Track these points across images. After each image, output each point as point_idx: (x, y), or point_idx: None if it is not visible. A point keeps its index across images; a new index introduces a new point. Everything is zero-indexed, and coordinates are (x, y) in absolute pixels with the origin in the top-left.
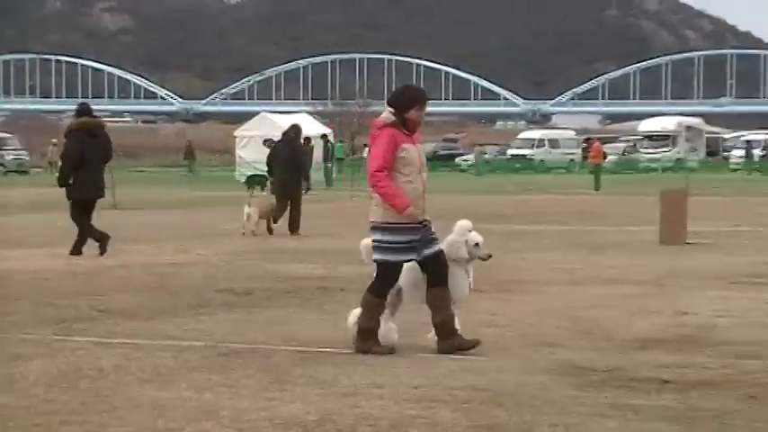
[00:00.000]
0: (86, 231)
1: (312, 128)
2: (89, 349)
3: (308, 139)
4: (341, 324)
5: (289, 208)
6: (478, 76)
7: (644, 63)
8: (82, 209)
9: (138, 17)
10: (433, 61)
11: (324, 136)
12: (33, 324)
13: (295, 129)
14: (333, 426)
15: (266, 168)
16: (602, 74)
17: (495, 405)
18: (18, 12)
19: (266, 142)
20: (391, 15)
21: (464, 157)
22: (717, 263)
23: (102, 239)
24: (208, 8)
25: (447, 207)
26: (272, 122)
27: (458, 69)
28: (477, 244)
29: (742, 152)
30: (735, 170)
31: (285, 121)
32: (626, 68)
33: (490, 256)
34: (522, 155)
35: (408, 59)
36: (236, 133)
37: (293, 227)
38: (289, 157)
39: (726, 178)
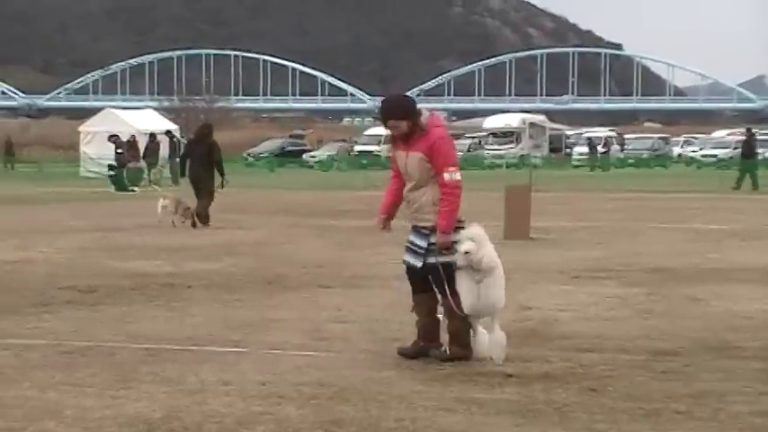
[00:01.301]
0: None
1: (158, 123)
2: None
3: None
4: (187, 321)
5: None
6: (325, 72)
7: (489, 60)
8: None
9: None
10: (279, 57)
11: (168, 132)
12: None
13: (208, 127)
14: (179, 423)
15: (180, 165)
16: (448, 71)
17: (342, 400)
18: None
19: (111, 138)
20: (236, 11)
21: (311, 154)
22: (559, 258)
23: None
24: (49, 1)
25: (296, 203)
26: (116, 118)
27: (304, 66)
28: (466, 252)
29: (584, 149)
30: (577, 166)
31: (130, 117)
32: (471, 66)
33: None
34: (370, 151)
35: (255, 55)
36: (80, 129)
37: (202, 219)
38: (203, 152)
39: (568, 174)
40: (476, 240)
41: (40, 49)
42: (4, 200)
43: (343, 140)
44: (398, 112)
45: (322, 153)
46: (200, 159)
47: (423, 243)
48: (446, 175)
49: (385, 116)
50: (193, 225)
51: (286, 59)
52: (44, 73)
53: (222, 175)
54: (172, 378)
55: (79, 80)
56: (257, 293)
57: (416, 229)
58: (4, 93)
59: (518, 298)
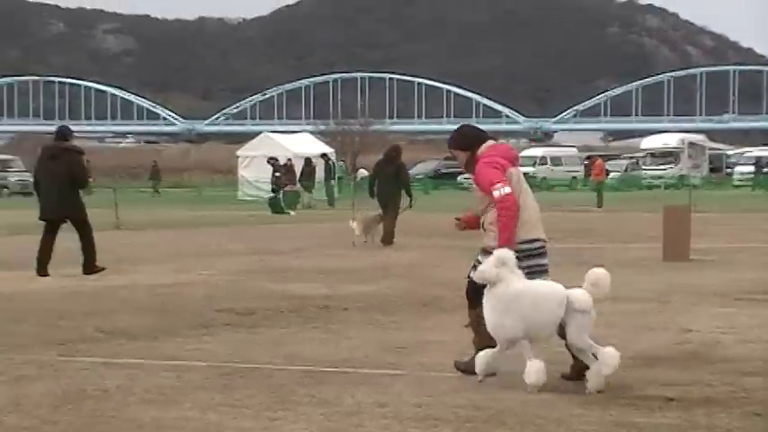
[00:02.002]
0: (41, 249)
1: (314, 147)
2: (93, 370)
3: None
4: (343, 343)
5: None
6: (480, 94)
7: (646, 80)
8: (47, 228)
9: (140, 38)
10: (434, 80)
11: (324, 155)
12: (38, 345)
13: (396, 149)
14: None
15: (369, 185)
16: (604, 91)
17: (498, 423)
18: (21, 34)
19: (270, 160)
20: (392, 35)
21: (466, 176)
22: (720, 279)
23: (42, 263)
24: (210, 29)
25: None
26: (274, 142)
27: (459, 87)
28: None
29: (747, 168)
30: (738, 186)
31: (287, 141)
32: (628, 85)
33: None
34: (525, 173)
35: (410, 78)
36: (238, 153)
37: (387, 239)
38: (392, 173)
39: (729, 195)
40: (501, 262)
41: (200, 76)
42: (163, 224)
43: None
44: (456, 143)
45: None
46: (389, 180)
47: (482, 260)
48: (495, 193)
49: (449, 145)
50: (388, 243)
51: (441, 81)
52: (204, 99)
53: (410, 195)
54: (329, 400)
55: (237, 105)
56: (413, 315)
57: (483, 250)
58: (165, 118)
59: (678, 320)
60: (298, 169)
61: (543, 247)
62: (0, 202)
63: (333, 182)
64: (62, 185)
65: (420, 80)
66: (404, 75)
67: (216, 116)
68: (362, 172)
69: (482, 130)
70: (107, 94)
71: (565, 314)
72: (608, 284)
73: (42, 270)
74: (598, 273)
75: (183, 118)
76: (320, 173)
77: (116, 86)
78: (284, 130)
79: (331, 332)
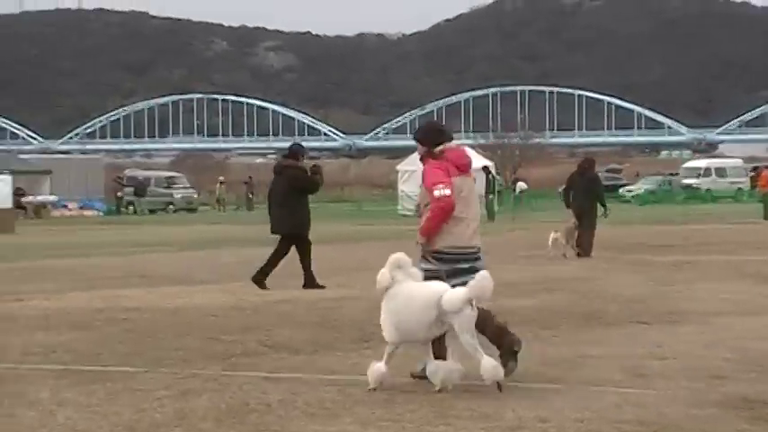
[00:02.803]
0: (268, 262)
1: (474, 160)
2: (256, 384)
3: (485, 168)
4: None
5: (576, 233)
6: (641, 105)
7: None
8: (282, 244)
9: (301, 55)
10: (594, 91)
11: (485, 168)
12: (202, 359)
13: (589, 161)
14: None
15: (563, 197)
16: None
17: None
18: (186, 53)
19: None
20: (551, 47)
21: (628, 188)
22: None
23: (262, 275)
24: (369, 45)
25: (613, 238)
26: None
27: (620, 99)
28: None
29: None
30: None
31: None
32: None
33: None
34: (689, 184)
35: (570, 90)
36: (398, 167)
37: (585, 251)
38: (585, 185)
39: None
40: (397, 266)
41: (360, 91)
42: (323, 238)
43: (663, 174)
44: (418, 134)
45: (639, 187)
46: (583, 192)
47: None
48: (435, 192)
49: (414, 134)
50: (586, 255)
51: (601, 93)
52: (364, 114)
53: (604, 206)
54: (489, 414)
55: (397, 120)
56: (574, 329)
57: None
58: (326, 134)
59: None
60: None
61: (477, 252)
62: (166, 218)
63: (492, 195)
64: (283, 200)
65: (580, 92)
66: (564, 87)
67: (376, 131)
68: (521, 185)
69: (445, 132)
70: (269, 111)
71: (441, 315)
72: (490, 287)
73: (260, 279)
74: (482, 274)
75: (343, 133)
76: (480, 186)
77: (278, 103)
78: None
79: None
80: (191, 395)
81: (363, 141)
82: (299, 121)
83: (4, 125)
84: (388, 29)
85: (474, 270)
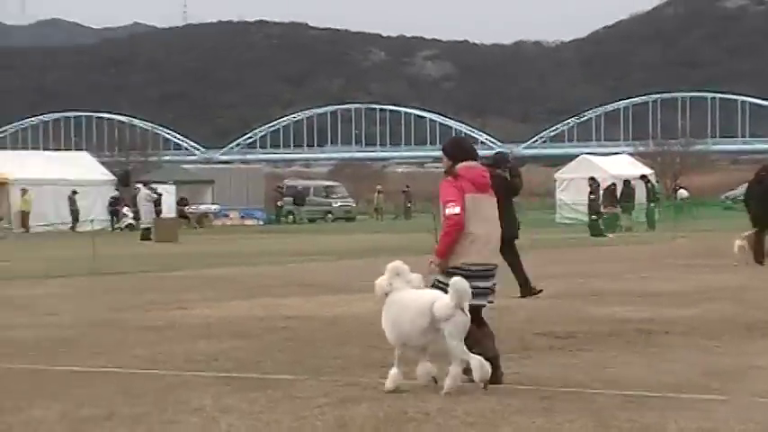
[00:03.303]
0: (516, 274)
1: (632, 169)
2: (414, 392)
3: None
4: (665, 367)
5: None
6: None
7: None
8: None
9: (459, 64)
10: (758, 98)
11: (644, 176)
12: (361, 368)
13: (765, 169)
14: None
15: (745, 204)
16: None
17: None
18: (344, 63)
19: (590, 180)
20: (714, 52)
21: None
22: None
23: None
24: (527, 52)
25: None
26: (592, 164)
27: None
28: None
29: None
30: None
31: (605, 163)
32: None
33: None
34: None
35: (733, 96)
36: (556, 176)
37: (759, 258)
38: (761, 193)
39: None
40: (395, 273)
41: (517, 99)
42: None
43: None
44: (445, 149)
45: None
46: (758, 200)
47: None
48: (446, 210)
49: (442, 147)
50: (760, 262)
51: (766, 99)
52: (522, 122)
53: None
54: (651, 425)
55: (554, 128)
56: (738, 339)
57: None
58: (483, 143)
59: None
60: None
61: (488, 270)
62: (324, 226)
63: (653, 204)
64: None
65: (743, 98)
66: (726, 93)
67: (533, 139)
68: (683, 193)
69: (469, 151)
70: (426, 120)
71: (434, 322)
72: (468, 291)
73: (527, 289)
74: (456, 281)
75: (501, 142)
76: (640, 195)
77: (435, 112)
78: (602, 152)
79: (652, 356)
80: (350, 403)
81: (521, 149)
82: (456, 129)
83: (167, 136)
84: (545, 36)
85: (491, 290)
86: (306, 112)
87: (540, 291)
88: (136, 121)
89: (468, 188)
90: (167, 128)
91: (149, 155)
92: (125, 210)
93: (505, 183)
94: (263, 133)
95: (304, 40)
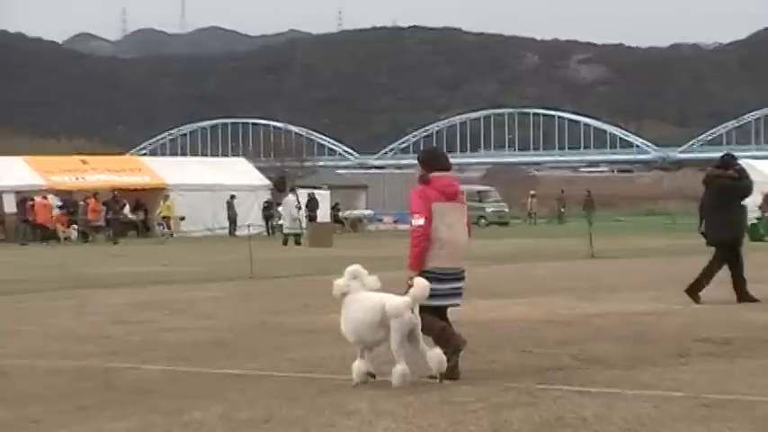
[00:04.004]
0: (704, 273)
1: None
2: (570, 398)
3: None
4: None
5: None
6: None
7: None
8: (720, 253)
9: (613, 67)
10: None
11: None
12: (515, 372)
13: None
14: None
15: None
16: None
17: None
18: (498, 68)
19: None
20: None
21: None
22: None
23: (697, 287)
24: (684, 54)
25: None
26: (752, 169)
27: None
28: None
29: None
30: None
31: (766, 168)
32: None
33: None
34: None
35: None
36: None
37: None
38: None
39: None
40: (353, 276)
41: (673, 102)
42: (637, 252)
43: None
44: (419, 157)
45: None
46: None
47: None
48: (413, 221)
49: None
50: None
51: None
52: (678, 126)
53: None
54: None
55: (712, 131)
56: None
57: None
58: (638, 146)
59: None
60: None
61: (457, 273)
62: (478, 231)
63: None
64: (716, 210)
65: None
66: None
67: (691, 143)
68: None
69: (442, 161)
70: (580, 124)
71: (384, 320)
72: (426, 293)
73: (693, 293)
74: (418, 281)
75: (656, 145)
76: None
77: (589, 116)
78: (762, 155)
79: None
80: (505, 408)
81: (677, 153)
82: (610, 133)
83: (322, 142)
84: (703, 38)
85: (461, 291)
86: (459, 116)
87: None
88: (291, 127)
89: (436, 196)
90: (322, 133)
91: (304, 160)
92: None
93: (734, 184)
94: (416, 138)
95: (458, 45)
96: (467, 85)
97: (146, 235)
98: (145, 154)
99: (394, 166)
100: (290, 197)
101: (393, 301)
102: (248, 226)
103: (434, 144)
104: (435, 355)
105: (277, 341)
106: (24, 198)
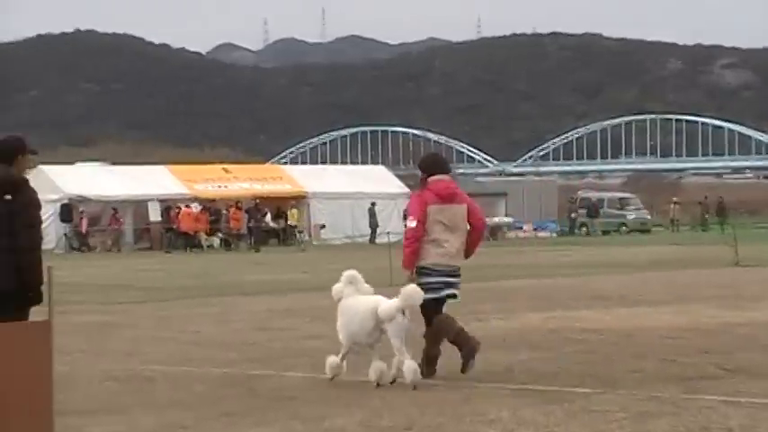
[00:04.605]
0: None
1: None
2: (716, 408)
3: None
4: None
5: None
6: None
7: None
8: None
9: (760, 72)
10: None
11: None
12: (659, 382)
13: None
14: None
15: None
16: None
17: None
18: (640, 73)
19: None
20: None
21: None
22: None
23: None
24: None
25: None
26: None
27: None
28: None
29: None
30: None
31: None
32: None
33: None
34: None
35: None
36: None
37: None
38: None
39: None
40: (349, 281)
41: None
42: None
43: None
44: (419, 163)
45: None
46: None
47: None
48: (407, 222)
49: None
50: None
51: None
52: None
53: None
54: None
55: None
56: None
57: None
58: None
59: None
60: None
61: (452, 269)
62: (619, 239)
63: None
64: None
65: None
66: None
67: None
68: None
69: (440, 165)
70: (724, 130)
71: (378, 323)
72: (419, 298)
73: None
74: (410, 287)
75: None
76: None
77: (734, 122)
78: None
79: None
80: (649, 418)
81: None
82: (756, 139)
83: (461, 149)
84: None
85: (455, 285)
86: (600, 123)
87: None
88: (430, 135)
89: (432, 199)
90: (461, 140)
91: None
92: None
93: None
94: (555, 145)
95: (598, 51)
96: (607, 91)
97: (287, 243)
98: (285, 162)
99: (533, 173)
100: None
101: (385, 304)
102: (387, 233)
103: (574, 151)
104: (411, 367)
105: (417, 349)
106: (168, 207)
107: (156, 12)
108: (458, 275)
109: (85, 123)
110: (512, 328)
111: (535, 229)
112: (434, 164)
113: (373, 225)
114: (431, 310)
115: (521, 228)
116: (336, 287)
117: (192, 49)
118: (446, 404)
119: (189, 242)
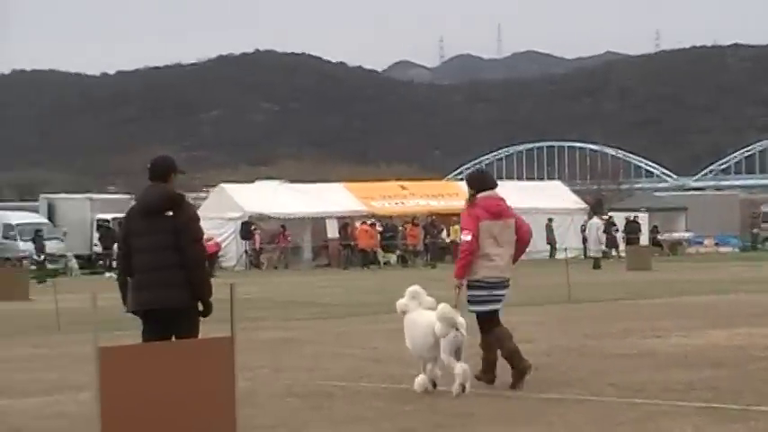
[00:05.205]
0: None
1: None
2: None
3: None
4: None
5: None
6: None
7: None
8: None
9: None
10: None
11: None
12: None
13: None
14: None
15: None
16: None
17: None
18: None
19: None
20: None
21: None
22: None
23: None
24: None
25: None
26: None
27: None
28: None
29: None
30: None
31: None
32: None
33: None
34: None
35: None
36: None
37: None
38: None
39: None
40: (412, 296)
41: None
42: None
43: None
44: (467, 180)
45: None
46: None
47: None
48: (461, 237)
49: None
50: None
51: None
52: None
53: None
54: None
55: None
56: None
57: None
58: None
59: None
60: None
61: (503, 282)
62: None
63: None
64: None
65: None
66: None
67: None
68: None
69: (487, 182)
70: None
71: (438, 340)
72: (455, 313)
73: None
74: (443, 307)
75: None
76: None
77: None
78: None
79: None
80: None
81: None
82: None
83: (638, 163)
84: None
85: (502, 297)
86: None
87: None
88: (607, 149)
89: (483, 215)
90: (639, 155)
91: (621, 183)
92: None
93: None
94: (737, 158)
95: None
96: None
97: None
98: (461, 179)
99: (714, 188)
100: (595, 220)
101: (437, 325)
102: (565, 249)
103: (757, 164)
104: (462, 368)
105: (595, 365)
106: (346, 223)
107: (333, 31)
108: (507, 286)
109: (264, 142)
110: (693, 344)
111: (716, 244)
112: (483, 180)
113: (552, 241)
114: (485, 320)
115: (701, 243)
116: (400, 302)
117: (368, 67)
118: (627, 422)
119: (366, 259)
